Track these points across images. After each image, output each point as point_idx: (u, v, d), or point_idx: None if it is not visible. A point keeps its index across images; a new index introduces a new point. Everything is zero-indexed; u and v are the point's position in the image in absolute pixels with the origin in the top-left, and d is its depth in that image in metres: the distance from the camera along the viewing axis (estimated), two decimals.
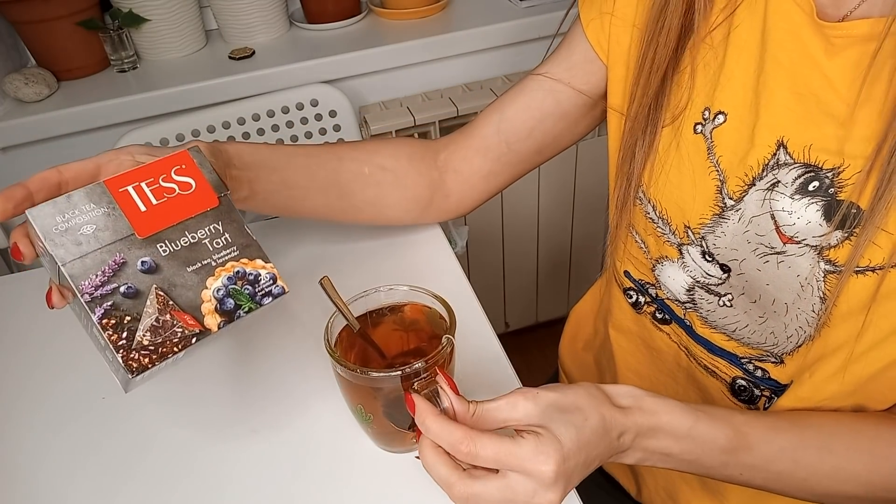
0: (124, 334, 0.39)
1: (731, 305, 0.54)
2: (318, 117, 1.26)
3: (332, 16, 1.31)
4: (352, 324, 0.50)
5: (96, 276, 0.38)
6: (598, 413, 0.41)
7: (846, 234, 0.45)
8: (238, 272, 0.43)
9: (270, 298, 0.43)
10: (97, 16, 1.20)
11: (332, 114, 1.26)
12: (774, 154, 0.48)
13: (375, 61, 1.25)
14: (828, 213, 0.46)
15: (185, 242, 0.41)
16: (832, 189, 0.45)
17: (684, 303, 0.58)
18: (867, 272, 0.44)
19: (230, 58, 1.24)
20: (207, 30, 1.33)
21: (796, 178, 0.47)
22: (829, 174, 0.46)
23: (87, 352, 0.51)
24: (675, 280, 0.58)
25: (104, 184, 0.39)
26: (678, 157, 0.54)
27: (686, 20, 0.51)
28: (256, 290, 0.43)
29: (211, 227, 0.42)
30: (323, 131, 1.27)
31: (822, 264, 0.47)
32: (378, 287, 0.52)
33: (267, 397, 0.56)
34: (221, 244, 0.42)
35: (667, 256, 0.57)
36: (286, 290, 0.44)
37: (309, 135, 1.27)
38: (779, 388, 0.55)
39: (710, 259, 0.54)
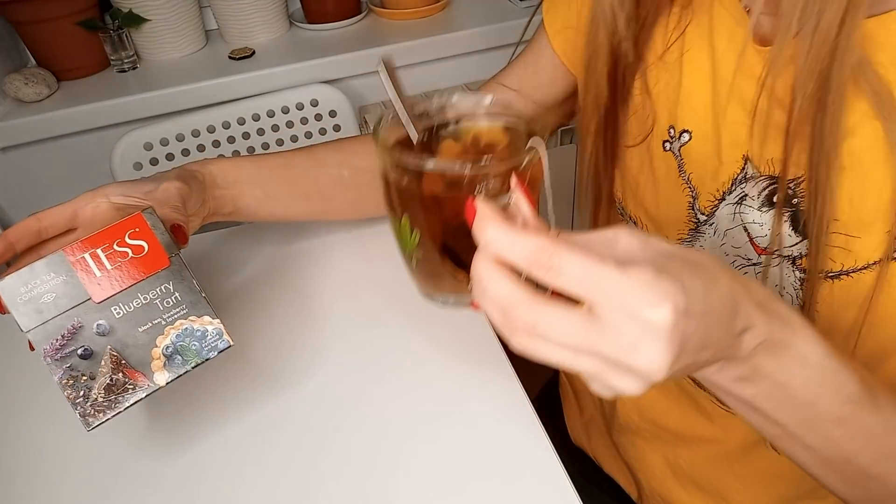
0: (81, 392, 0.43)
1: None
2: (318, 117, 1.26)
3: (332, 16, 1.31)
4: (411, 130, 0.39)
5: (56, 340, 0.42)
6: (729, 282, 0.30)
7: (814, 245, 0.45)
8: (186, 329, 0.45)
9: (216, 352, 0.46)
10: (97, 16, 1.20)
11: (332, 114, 1.26)
12: (743, 168, 0.49)
13: (375, 61, 1.25)
14: (795, 223, 0.46)
15: (138, 304, 0.44)
16: (795, 199, 0.46)
17: None
18: (842, 276, 0.44)
19: (230, 58, 1.24)
20: (207, 30, 1.33)
21: (762, 191, 0.48)
22: (791, 185, 0.46)
23: None
24: None
25: (63, 252, 0.42)
26: (651, 174, 0.55)
27: (618, 60, 0.52)
28: (203, 345, 0.46)
29: (162, 287, 0.45)
30: (323, 131, 1.27)
31: (796, 273, 0.47)
32: (445, 90, 0.45)
33: (267, 397, 0.56)
34: (172, 303, 0.45)
35: None
36: (231, 343, 0.46)
37: (309, 135, 1.27)
38: None
39: None
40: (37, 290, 0.42)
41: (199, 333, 0.46)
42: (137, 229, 0.44)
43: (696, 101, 0.50)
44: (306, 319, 0.63)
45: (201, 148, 1.20)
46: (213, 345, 0.46)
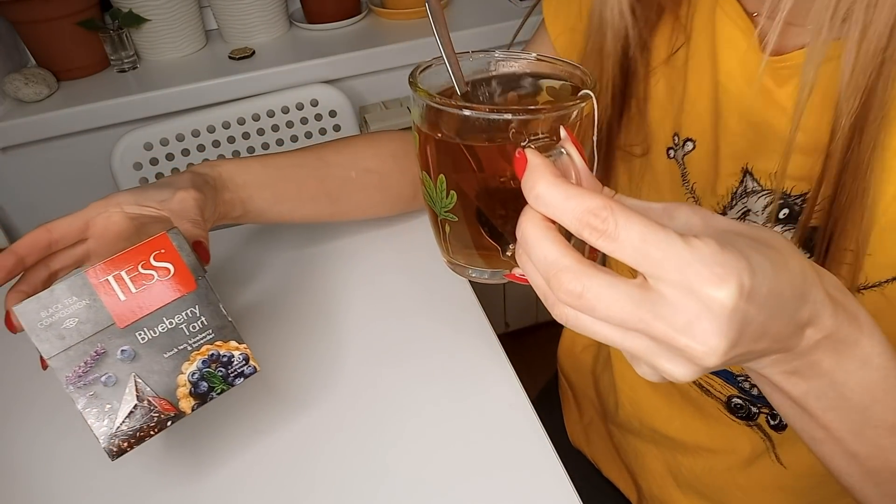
0: (105, 421, 0.41)
1: None
2: (318, 117, 1.26)
3: (332, 16, 1.30)
4: (456, 81, 0.36)
5: (79, 366, 0.40)
6: (800, 265, 0.28)
7: (820, 261, 0.43)
8: (212, 355, 0.44)
9: (242, 378, 0.45)
10: (97, 16, 1.20)
11: (332, 114, 1.26)
12: (742, 181, 0.47)
13: (375, 61, 1.25)
14: (801, 240, 0.45)
15: (163, 328, 0.42)
16: (802, 216, 0.44)
17: None
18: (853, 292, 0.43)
19: (230, 58, 1.24)
20: (207, 30, 1.33)
21: (766, 206, 0.46)
22: (797, 201, 0.45)
23: None
24: None
25: (85, 275, 0.40)
26: (654, 181, 0.54)
27: (624, 60, 0.50)
28: (229, 371, 0.45)
29: (188, 311, 0.43)
30: (323, 131, 1.27)
31: None
32: (489, 50, 0.40)
33: (271, 397, 0.56)
34: (198, 328, 0.43)
35: None
36: (258, 369, 0.45)
37: (309, 135, 1.27)
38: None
39: None
40: (58, 315, 0.40)
41: (225, 359, 0.44)
42: (163, 250, 0.41)
43: (699, 108, 0.49)
44: (321, 327, 0.63)
45: (201, 148, 1.20)
46: (239, 370, 0.45)
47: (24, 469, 0.53)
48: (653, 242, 0.24)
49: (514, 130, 0.31)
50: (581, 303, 0.26)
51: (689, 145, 0.50)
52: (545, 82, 0.39)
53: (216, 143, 1.21)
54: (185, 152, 1.20)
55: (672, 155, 0.52)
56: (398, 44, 1.24)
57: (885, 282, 0.43)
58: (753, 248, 0.26)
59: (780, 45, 0.44)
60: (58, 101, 1.16)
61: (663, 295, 0.24)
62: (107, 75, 1.23)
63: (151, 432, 0.42)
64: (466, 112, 0.33)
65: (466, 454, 0.50)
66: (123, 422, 0.42)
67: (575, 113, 0.33)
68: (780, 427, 0.55)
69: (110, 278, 0.40)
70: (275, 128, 1.24)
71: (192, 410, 0.44)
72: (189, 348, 0.43)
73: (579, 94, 0.33)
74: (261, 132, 1.23)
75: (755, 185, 0.47)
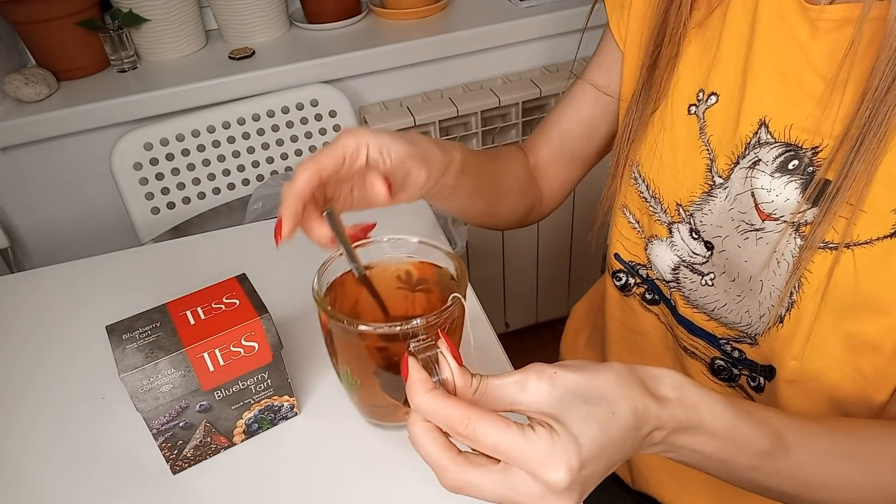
0: (175, 451, 0.50)
1: (713, 285, 0.56)
2: (318, 117, 1.26)
3: (332, 16, 1.30)
4: (355, 266, 0.44)
5: (164, 417, 0.48)
6: (630, 405, 0.35)
7: (822, 211, 0.46)
8: (267, 406, 0.52)
9: (285, 421, 0.54)
10: (97, 16, 1.20)
11: (332, 114, 1.26)
12: (756, 133, 0.50)
13: (375, 61, 1.25)
14: (806, 191, 0.47)
15: (236, 388, 0.50)
16: (811, 168, 0.47)
17: (669, 282, 0.60)
18: (841, 248, 0.45)
19: (230, 58, 1.24)
20: (207, 30, 1.33)
21: (777, 157, 0.49)
22: (808, 153, 0.47)
23: (87, 352, 0.51)
24: (662, 259, 0.59)
25: (186, 353, 0.46)
26: (672, 137, 0.56)
27: (663, 23, 0.53)
28: (277, 416, 0.54)
29: (259, 375, 0.50)
30: (323, 131, 1.27)
31: (797, 241, 0.48)
32: (382, 237, 0.48)
33: None
34: (263, 387, 0.51)
35: (656, 235, 0.59)
36: (298, 413, 0.55)
37: (309, 135, 1.27)
38: (756, 368, 0.55)
39: (696, 237, 0.55)
40: (157, 383, 0.46)
41: (276, 408, 0.53)
42: (253, 333, 0.48)
43: (728, 62, 0.51)
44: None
45: (201, 148, 1.20)
46: (284, 415, 0.54)
47: (24, 468, 0.53)
48: (503, 443, 0.32)
49: (401, 335, 0.39)
50: (462, 492, 0.34)
51: (713, 99, 0.53)
52: (430, 261, 0.48)
53: (216, 143, 1.21)
54: (185, 152, 1.20)
55: (693, 111, 0.54)
56: (398, 44, 1.24)
57: (877, 239, 0.44)
58: (582, 416, 0.33)
59: None
60: (58, 101, 1.16)
61: (520, 477, 0.32)
62: (107, 75, 1.23)
63: (207, 457, 0.52)
64: (362, 328, 0.40)
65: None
66: (189, 451, 0.50)
67: (447, 314, 0.41)
68: (760, 389, 0.57)
69: (205, 354, 0.46)
70: (275, 128, 1.24)
71: (241, 442, 0.53)
72: (252, 402, 0.51)
73: (451, 297, 0.41)
74: (261, 132, 1.24)
75: (768, 136, 0.49)
